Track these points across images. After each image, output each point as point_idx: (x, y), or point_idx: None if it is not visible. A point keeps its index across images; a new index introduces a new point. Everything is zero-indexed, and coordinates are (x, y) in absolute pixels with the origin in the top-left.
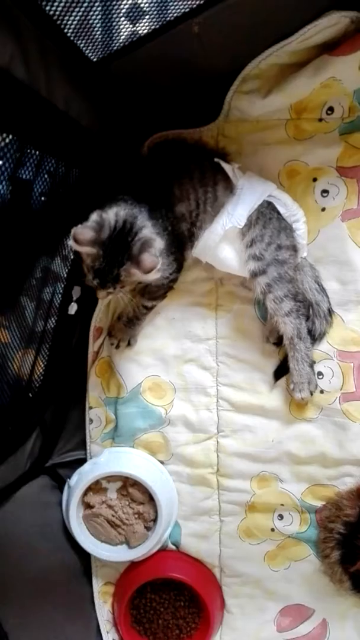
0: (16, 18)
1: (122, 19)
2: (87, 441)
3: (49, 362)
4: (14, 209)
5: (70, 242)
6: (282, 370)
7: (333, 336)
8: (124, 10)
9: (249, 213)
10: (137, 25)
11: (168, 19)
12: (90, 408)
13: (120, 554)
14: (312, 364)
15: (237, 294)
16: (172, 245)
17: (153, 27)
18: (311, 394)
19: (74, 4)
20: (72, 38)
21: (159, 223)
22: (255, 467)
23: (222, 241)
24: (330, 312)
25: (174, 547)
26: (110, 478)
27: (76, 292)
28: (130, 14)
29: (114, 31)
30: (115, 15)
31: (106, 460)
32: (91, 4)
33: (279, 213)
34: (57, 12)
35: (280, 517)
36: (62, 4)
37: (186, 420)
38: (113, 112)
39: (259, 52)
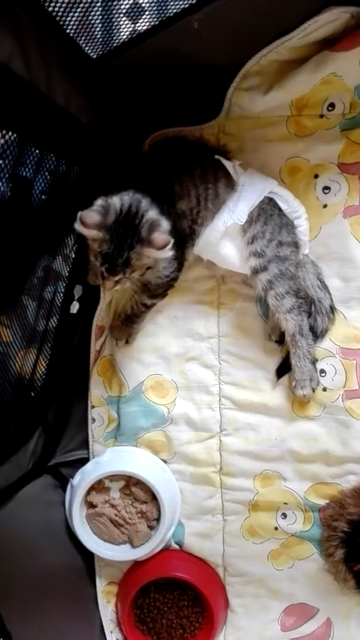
0: (16, 15)
1: (122, 16)
2: (90, 440)
3: (51, 361)
4: (15, 207)
5: (77, 226)
6: (284, 368)
7: (335, 333)
8: (124, 8)
9: (250, 209)
10: (137, 22)
11: (168, 15)
12: (93, 407)
13: (124, 554)
14: (314, 361)
15: (239, 291)
16: (172, 244)
17: (153, 23)
18: (313, 391)
19: (74, 3)
20: (72, 36)
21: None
22: (258, 466)
23: (223, 238)
24: (332, 309)
25: (177, 547)
26: (113, 477)
27: (78, 291)
28: (130, 12)
29: (113, 29)
30: (115, 13)
31: (109, 459)
32: (92, 2)
33: (280, 209)
34: (58, 11)
35: (284, 515)
36: (63, 3)
37: (189, 418)
38: (113, 110)
39: (259, 48)
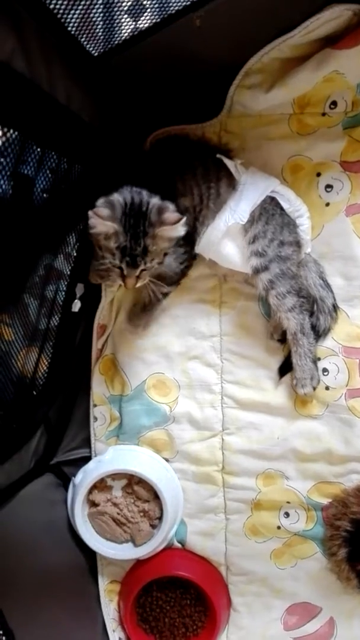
0: (17, 13)
1: (124, 14)
2: (92, 439)
3: (53, 359)
4: (16, 205)
5: (93, 220)
6: (287, 367)
7: (338, 332)
8: (125, 6)
9: (252, 209)
10: (139, 20)
11: (169, 12)
12: (95, 406)
13: (126, 552)
14: (315, 360)
15: (241, 290)
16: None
17: (154, 21)
18: (314, 390)
19: (76, 0)
20: (73, 33)
21: None
22: (260, 465)
23: (225, 237)
24: (335, 307)
25: (179, 545)
26: (115, 476)
27: (79, 289)
28: (132, 9)
29: (115, 26)
30: (116, 11)
31: (111, 458)
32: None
33: (282, 209)
34: (60, 8)
35: (287, 514)
36: (64, 0)
37: (191, 417)
38: (115, 108)
39: (261, 46)
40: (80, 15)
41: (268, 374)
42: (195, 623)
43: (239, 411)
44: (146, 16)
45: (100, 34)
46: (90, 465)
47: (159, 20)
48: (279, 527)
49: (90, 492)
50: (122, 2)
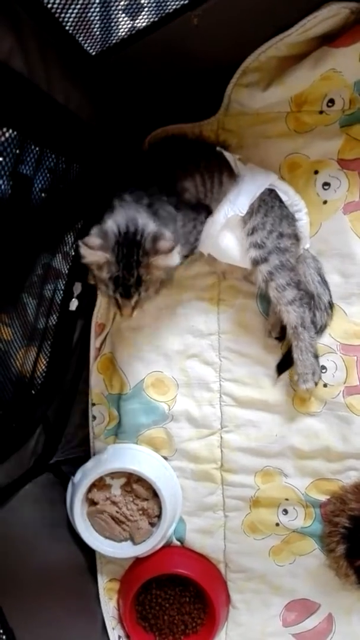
0: (15, 12)
1: (121, 13)
2: (91, 438)
3: (51, 358)
4: (15, 205)
5: (83, 251)
6: (285, 364)
7: (336, 329)
8: (122, 5)
9: (251, 201)
10: (136, 19)
11: (167, 11)
12: (93, 405)
13: (125, 551)
14: (316, 355)
15: (239, 288)
16: (186, 216)
17: (152, 20)
18: (315, 385)
19: None
20: (71, 32)
21: (165, 209)
22: (259, 462)
23: (224, 230)
24: (330, 304)
25: (178, 543)
26: (114, 474)
27: (77, 288)
28: (129, 8)
29: (112, 25)
30: (113, 10)
31: (110, 456)
32: None
33: (281, 201)
34: (56, 7)
35: (285, 511)
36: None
37: (189, 415)
38: (113, 107)
39: (258, 44)
40: (78, 14)
41: (266, 371)
42: (195, 620)
43: (237, 409)
44: (143, 15)
45: (97, 33)
46: (89, 464)
47: (156, 19)
48: (277, 524)
49: (89, 490)
50: (119, 1)
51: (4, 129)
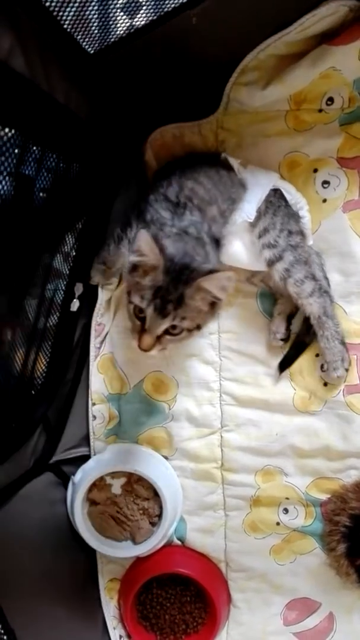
0: (14, 11)
1: (119, 11)
2: (91, 438)
3: (52, 359)
4: (18, 206)
5: (143, 245)
6: (286, 362)
7: None
8: (120, 4)
9: (258, 205)
10: (134, 17)
11: (165, 10)
12: (94, 404)
13: (126, 550)
14: (343, 341)
15: (239, 288)
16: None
17: (150, 18)
18: (346, 372)
19: None
20: (69, 31)
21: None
22: (259, 461)
23: (232, 235)
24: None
25: (179, 543)
26: (115, 474)
27: (78, 288)
28: (127, 7)
29: (110, 24)
30: (112, 8)
31: (110, 456)
32: None
33: (286, 200)
34: (54, 5)
35: (286, 510)
36: None
37: (189, 415)
38: (112, 106)
39: (257, 43)
40: (76, 13)
41: (266, 370)
42: (196, 620)
43: (237, 408)
44: (142, 13)
45: (95, 31)
46: (90, 463)
47: (154, 17)
48: (278, 523)
49: (89, 490)
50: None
51: (5, 129)
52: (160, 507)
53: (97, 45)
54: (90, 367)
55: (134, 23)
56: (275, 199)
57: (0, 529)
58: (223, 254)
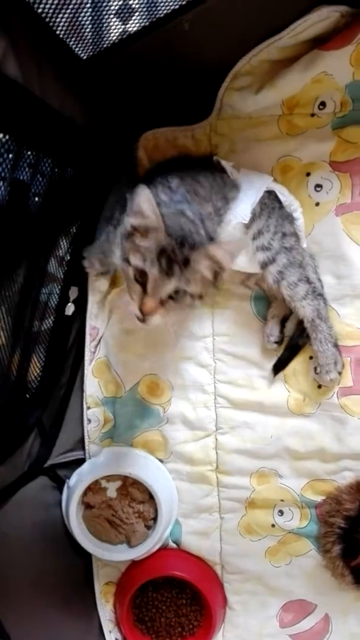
0: (7, 17)
1: (112, 17)
2: (86, 441)
3: (46, 363)
4: (13, 211)
5: (142, 203)
6: (281, 365)
7: None
8: (114, 9)
9: (253, 206)
10: (127, 23)
11: (158, 16)
12: (88, 408)
13: (121, 554)
14: (336, 344)
15: (233, 291)
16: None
17: (143, 24)
18: (340, 375)
19: (63, 4)
20: (62, 37)
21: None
22: (254, 464)
23: (226, 235)
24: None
25: (174, 545)
26: (110, 478)
27: (73, 292)
28: (120, 13)
29: (104, 29)
30: (105, 14)
31: (105, 460)
32: (81, 3)
33: (280, 202)
34: (47, 12)
35: (281, 512)
36: (52, 4)
37: (184, 418)
38: (105, 110)
39: (250, 48)
40: (69, 19)
41: (261, 373)
42: (192, 622)
43: (232, 411)
44: (135, 19)
45: (89, 37)
46: (85, 467)
47: (147, 23)
48: (273, 525)
49: (84, 494)
50: (111, 5)
51: (1, 135)
52: (156, 510)
53: (90, 50)
54: (85, 370)
55: (127, 28)
56: (270, 200)
57: None
58: None
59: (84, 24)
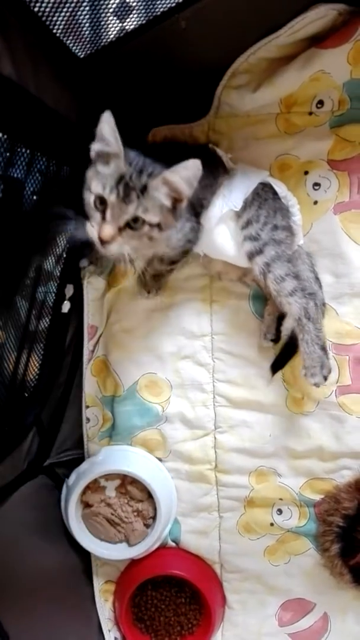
0: (2, 15)
1: (110, 15)
2: (85, 440)
3: (44, 361)
4: (7, 208)
5: (104, 125)
6: (278, 364)
7: (328, 329)
8: (111, 7)
9: (245, 195)
10: (125, 21)
11: (155, 14)
12: (87, 407)
13: (120, 552)
14: (324, 347)
15: (231, 289)
16: (185, 214)
17: (140, 22)
18: (325, 379)
19: (61, 3)
20: (59, 36)
21: None
22: (253, 462)
23: (218, 225)
24: (323, 303)
25: (173, 544)
26: (109, 476)
27: (69, 290)
28: (118, 11)
29: (101, 28)
30: (103, 12)
31: (104, 458)
32: (79, 1)
33: (275, 193)
34: (45, 11)
35: (279, 511)
36: (49, 3)
37: (183, 417)
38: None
39: (247, 46)
40: (66, 17)
41: (259, 372)
42: (191, 621)
43: (231, 410)
44: (132, 17)
45: (86, 35)
46: (83, 466)
47: (145, 21)
48: (272, 524)
49: (83, 493)
50: (109, 3)
51: None
52: (155, 509)
53: (87, 48)
54: (84, 369)
55: (124, 26)
56: (263, 192)
57: None
58: (209, 245)
59: (81, 23)
